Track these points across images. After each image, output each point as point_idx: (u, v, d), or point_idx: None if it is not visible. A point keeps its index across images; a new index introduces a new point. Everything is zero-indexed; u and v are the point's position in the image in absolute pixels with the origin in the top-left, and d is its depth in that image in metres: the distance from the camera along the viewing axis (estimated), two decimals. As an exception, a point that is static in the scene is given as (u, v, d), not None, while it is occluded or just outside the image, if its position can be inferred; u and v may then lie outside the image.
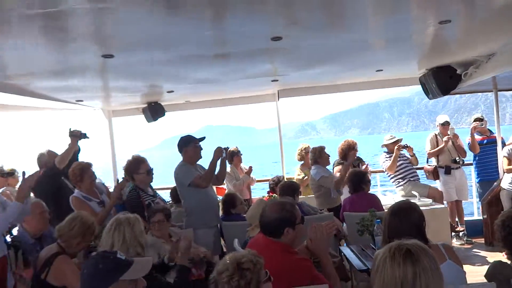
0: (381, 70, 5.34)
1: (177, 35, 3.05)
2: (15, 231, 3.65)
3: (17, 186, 6.46)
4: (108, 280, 1.90)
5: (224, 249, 4.96)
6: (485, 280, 2.56)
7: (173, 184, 5.00)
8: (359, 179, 4.77)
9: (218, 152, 4.47)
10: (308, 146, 6.34)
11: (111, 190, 4.70)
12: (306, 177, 6.18)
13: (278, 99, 6.61)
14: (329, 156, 5.64)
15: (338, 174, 5.65)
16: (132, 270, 1.96)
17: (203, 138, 4.61)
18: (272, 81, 5.51)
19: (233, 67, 4.42)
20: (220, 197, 5.17)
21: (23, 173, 3.24)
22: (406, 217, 2.57)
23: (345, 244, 4.66)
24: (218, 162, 4.53)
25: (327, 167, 5.68)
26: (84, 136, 4.54)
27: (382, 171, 6.62)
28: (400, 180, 6.12)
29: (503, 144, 5.88)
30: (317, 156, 5.48)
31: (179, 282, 2.94)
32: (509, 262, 2.60)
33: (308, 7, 2.67)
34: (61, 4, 2.26)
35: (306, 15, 2.82)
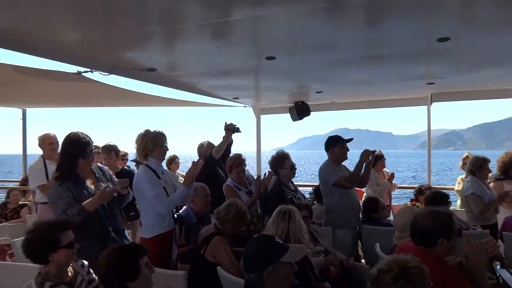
0: None
1: (336, 37, 3.16)
2: (182, 210, 4.18)
3: (177, 171, 7.44)
4: (269, 259, 2.12)
5: (360, 253, 4.88)
6: None
7: (308, 181, 5.08)
8: (528, 198, 4.17)
9: (366, 154, 4.40)
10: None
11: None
12: None
13: (431, 103, 6.23)
14: (490, 171, 5.03)
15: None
16: (289, 254, 2.13)
17: (351, 139, 4.61)
18: (428, 84, 5.23)
19: (388, 69, 4.34)
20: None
21: (193, 162, 3.63)
22: None
23: (498, 267, 4.15)
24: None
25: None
26: (237, 130, 4.84)
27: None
28: None
29: None
30: (476, 168, 4.91)
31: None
32: None
33: (486, 3, 2.49)
34: (229, 15, 2.59)
35: (482, 12, 2.63)
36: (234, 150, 5.28)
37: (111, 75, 3.99)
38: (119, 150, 5.24)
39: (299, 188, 5.21)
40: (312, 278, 3.07)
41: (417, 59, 3.92)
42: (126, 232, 3.43)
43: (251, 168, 7.72)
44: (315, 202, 5.74)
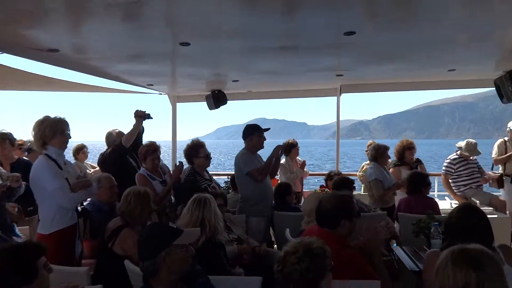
0: (454, 69, 5.13)
1: (251, 25, 3.15)
2: (87, 203, 3.92)
3: (86, 161, 6.97)
4: (162, 244, 2.06)
5: (273, 238, 5.04)
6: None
7: (224, 171, 5.10)
8: (419, 181, 4.60)
9: (277, 150, 4.58)
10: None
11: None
12: None
13: (340, 94, 6.56)
14: (390, 158, 5.51)
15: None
16: (183, 237, 2.10)
17: (268, 129, 4.68)
18: (337, 75, 5.48)
19: (301, 59, 4.46)
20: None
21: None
22: (468, 219, 2.44)
23: (394, 244, 4.58)
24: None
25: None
26: (148, 116, 4.66)
27: (439, 175, 6.41)
28: (461, 186, 5.90)
29: None
30: (379, 155, 5.34)
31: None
32: None
33: (386, 1, 2.65)
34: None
35: (385, 8, 2.79)
36: (149, 139, 5.09)
37: (3, 53, 3.57)
38: (15, 139, 4.74)
39: (215, 177, 5.20)
40: (226, 263, 3.10)
41: (327, 51, 4.07)
42: (17, 228, 3.13)
43: (166, 158, 7.53)
44: (230, 190, 5.77)
